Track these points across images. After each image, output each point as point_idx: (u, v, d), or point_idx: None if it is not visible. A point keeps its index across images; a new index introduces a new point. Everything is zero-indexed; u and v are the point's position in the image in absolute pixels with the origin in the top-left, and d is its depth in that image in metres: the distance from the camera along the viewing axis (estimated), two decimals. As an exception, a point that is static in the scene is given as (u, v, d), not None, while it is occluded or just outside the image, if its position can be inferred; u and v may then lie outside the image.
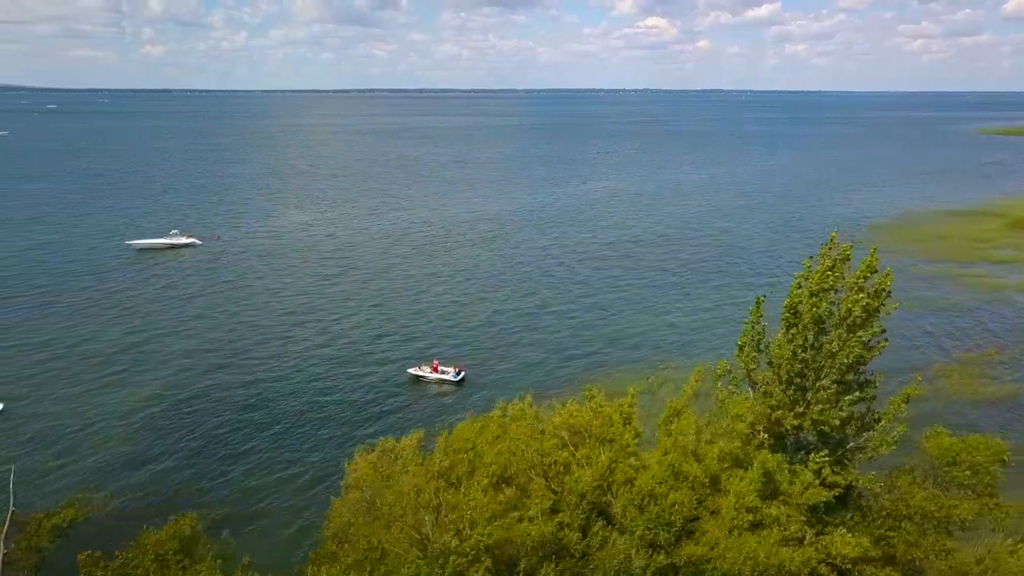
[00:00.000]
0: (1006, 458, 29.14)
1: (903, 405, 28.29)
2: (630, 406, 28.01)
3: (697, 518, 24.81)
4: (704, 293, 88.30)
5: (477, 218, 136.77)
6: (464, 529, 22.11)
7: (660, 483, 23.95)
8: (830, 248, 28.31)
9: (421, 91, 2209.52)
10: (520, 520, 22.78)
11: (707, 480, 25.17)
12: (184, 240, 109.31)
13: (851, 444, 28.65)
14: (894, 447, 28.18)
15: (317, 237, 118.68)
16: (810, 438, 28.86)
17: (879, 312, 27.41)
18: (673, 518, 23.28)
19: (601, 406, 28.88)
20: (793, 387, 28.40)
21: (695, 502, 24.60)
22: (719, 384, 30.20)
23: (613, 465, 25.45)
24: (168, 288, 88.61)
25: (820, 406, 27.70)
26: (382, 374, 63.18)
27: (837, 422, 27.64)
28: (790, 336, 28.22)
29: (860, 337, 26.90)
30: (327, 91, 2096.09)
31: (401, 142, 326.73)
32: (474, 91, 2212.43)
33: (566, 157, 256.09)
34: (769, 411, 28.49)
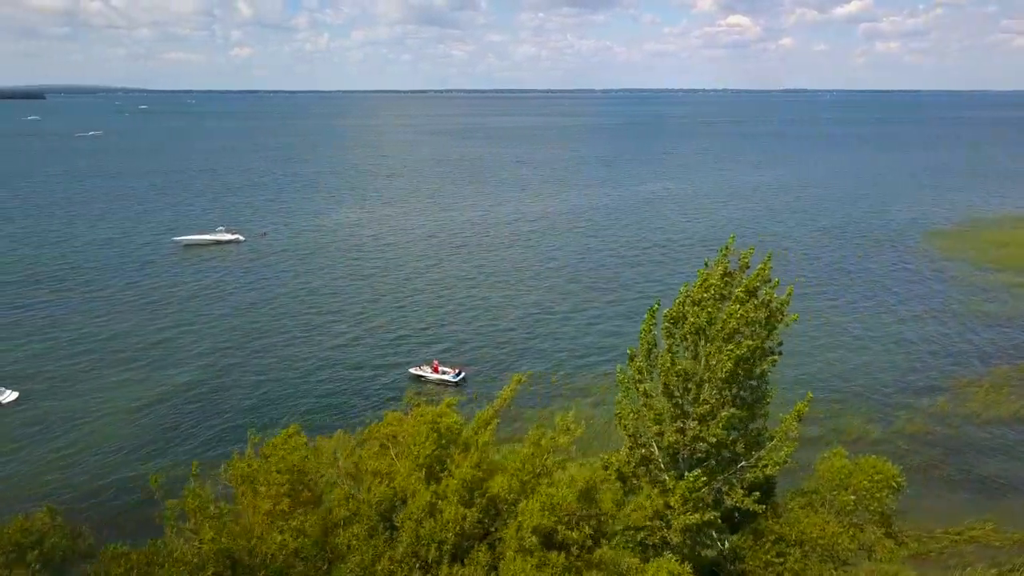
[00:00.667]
0: (896, 483, 26.79)
1: (794, 423, 26.31)
2: (440, 416, 25.33)
3: (488, 535, 23.01)
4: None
5: (523, 219, 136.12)
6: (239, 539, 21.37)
7: (442, 498, 22.16)
8: (725, 254, 26.51)
9: (498, 91, 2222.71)
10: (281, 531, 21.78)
11: (510, 498, 23.29)
12: (228, 236, 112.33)
13: (743, 463, 26.90)
14: (780, 467, 26.28)
15: (361, 236, 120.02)
16: (703, 455, 27.17)
17: (771, 324, 25.50)
18: (447, 535, 21.64)
19: (421, 415, 26.49)
20: (674, 400, 26.79)
21: (483, 520, 22.75)
22: (619, 396, 28.81)
23: (408, 476, 23.62)
24: (202, 284, 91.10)
25: (698, 421, 26.05)
26: (390, 374, 63.25)
27: (714, 439, 25.91)
28: (668, 346, 26.68)
29: (732, 351, 24.98)
30: (405, 91, 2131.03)
31: (467, 142, 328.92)
32: (551, 91, 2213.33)
33: (628, 158, 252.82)
34: (651, 424, 27.01)
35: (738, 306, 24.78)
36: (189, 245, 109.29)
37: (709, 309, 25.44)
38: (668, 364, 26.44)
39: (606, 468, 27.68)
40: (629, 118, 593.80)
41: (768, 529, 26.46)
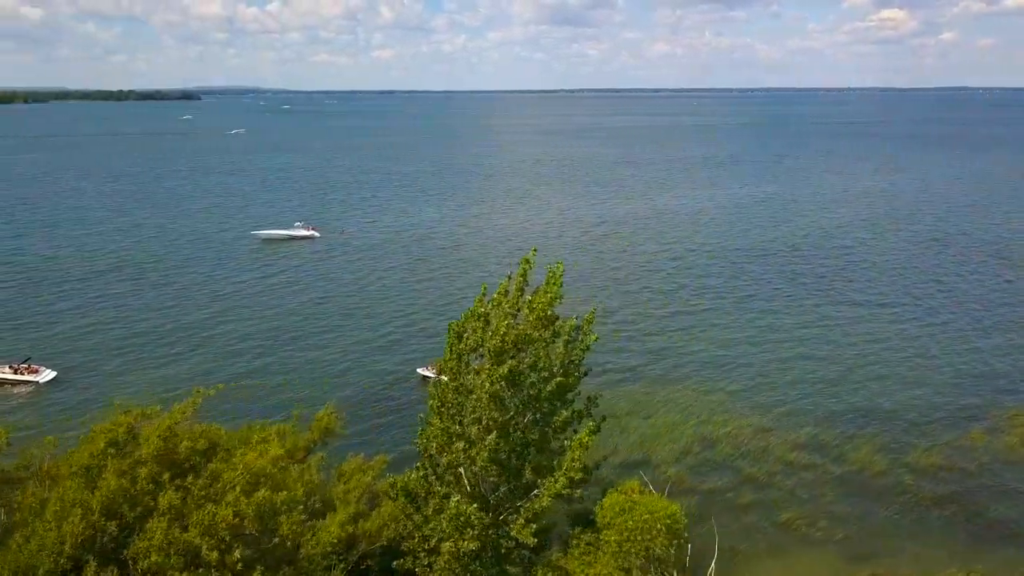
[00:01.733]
0: (670, 525, 23.92)
1: (578, 451, 24.13)
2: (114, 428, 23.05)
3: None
4: (783, 313, 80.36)
5: (604, 221, 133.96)
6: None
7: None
8: (526, 268, 24.72)
9: (630, 90, 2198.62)
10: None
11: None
12: (304, 232, 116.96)
13: (536, 492, 25.02)
14: (548, 502, 24.22)
15: (436, 237, 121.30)
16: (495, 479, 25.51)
17: (568, 348, 23.58)
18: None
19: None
20: (451, 419, 25.22)
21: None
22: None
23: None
24: (266, 279, 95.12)
25: (464, 444, 24.39)
26: (404, 375, 63.73)
27: (480, 464, 24.14)
28: (446, 361, 25.25)
29: (493, 371, 23.20)
30: (536, 91, 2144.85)
31: (579, 142, 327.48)
32: (684, 90, 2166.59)
33: (739, 160, 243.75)
34: (426, 443, 25.63)
35: (505, 323, 23.25)
36: (267, 240, 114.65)
37: (484, 326, 23.99)
38: (446, 381, 25.26)
39: (393, 486, 26.70)
40: (759, 118, 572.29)
41: (539, 566, 24.68)
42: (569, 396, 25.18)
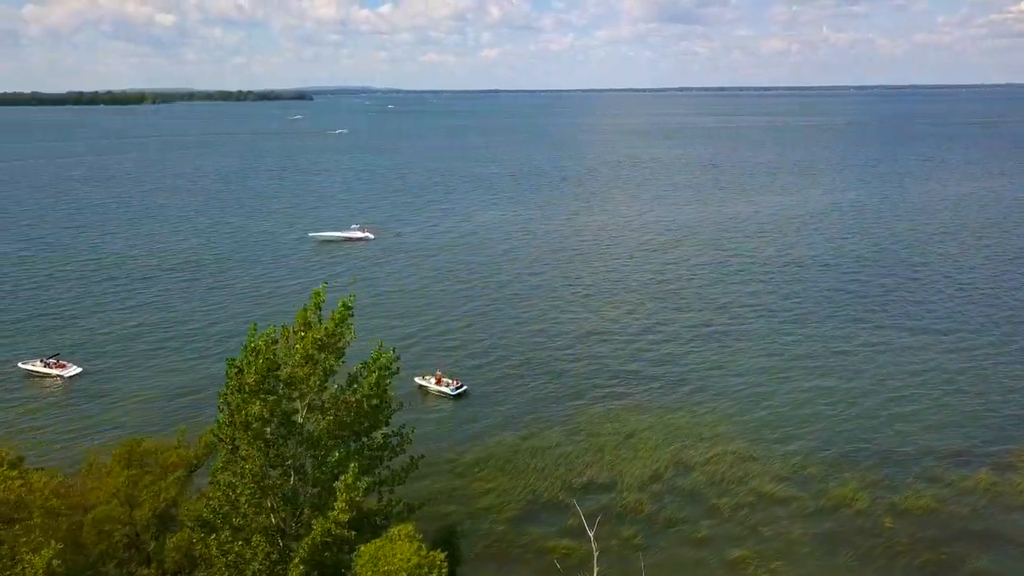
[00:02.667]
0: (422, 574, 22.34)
1: (344, 495, 22.89)
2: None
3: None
4: (821, 337, 76.22)
5: (664, 227, 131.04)
6: None
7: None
8: (317, 302, 24.26)
9: (741, 89, 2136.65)
10: None
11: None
12: (359, 234, 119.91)
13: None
14: (305, 553, 23.28)
15: (491, 242, 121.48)
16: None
17: (319, 380, 22.70)
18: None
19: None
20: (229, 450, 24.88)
21: None
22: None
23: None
24: (313, 280, 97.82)
25: (232, 478, 24.03)
26: (409, 383, 64.37)
27: (244, 499, 23.69)
28: (223, 395, 24.83)
29: (250, 408, 22.64)
30: (643, 90, 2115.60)
31: (670, 143, 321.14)
32: (797, 88, 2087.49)
33: (830, 163, 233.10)
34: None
35: (261, 360, 22.96)
36: (324, 241, 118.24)
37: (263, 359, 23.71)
38: (225, 417, 24.98)
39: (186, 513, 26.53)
40: (868, 117, 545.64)
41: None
42: (374, 434, 24.88)
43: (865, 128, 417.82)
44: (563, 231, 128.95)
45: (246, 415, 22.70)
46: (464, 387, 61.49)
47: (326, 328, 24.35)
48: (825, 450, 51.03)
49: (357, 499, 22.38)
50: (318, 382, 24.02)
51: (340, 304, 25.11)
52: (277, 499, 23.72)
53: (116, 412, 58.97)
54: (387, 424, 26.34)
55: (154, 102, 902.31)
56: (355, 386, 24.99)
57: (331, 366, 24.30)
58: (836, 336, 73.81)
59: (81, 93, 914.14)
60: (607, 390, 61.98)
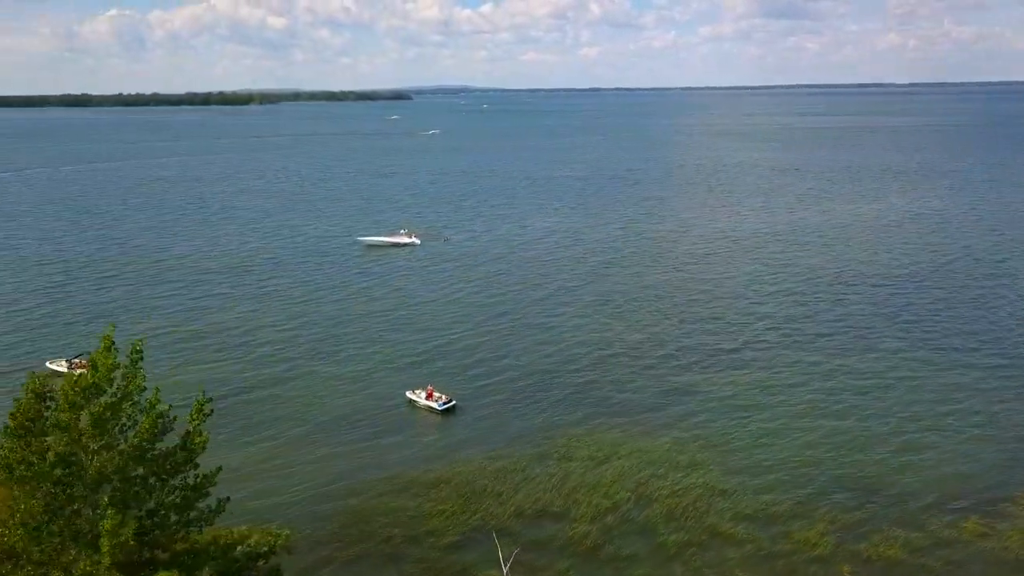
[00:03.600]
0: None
1: (106, 542, 22.43)
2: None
3: None
4: (848, 368, 72.07)
5: (722, 235, 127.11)
6: None
7: None
8: (106, 346, 24.17)
9: (852, 86, 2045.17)
10: None
11: None
12: (406, 239, 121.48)
13: None
14: None
15: (538, 250, 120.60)
16: None
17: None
18: None
19: None
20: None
21: None
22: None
23: None
24: (354, 284, 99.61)
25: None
26: (399, 397, 64.82)
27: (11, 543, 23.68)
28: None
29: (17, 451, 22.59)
30: (746, 87, 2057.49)
31: (757, 145, 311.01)
32: (914, 85, 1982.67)
33: (922, 169, 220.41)
34: None
35: (24, 403, 23.11)
36: (371, 245, 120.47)
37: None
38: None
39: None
40: (985, 117, 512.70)
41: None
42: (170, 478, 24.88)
43: (978, 129, 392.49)
44: (614, 240, 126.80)
45: (8, 458, 23.48)
46: (453, 402, 61.34)
47: (98, 375, 24.66)
48: (801, 488, 48.23)
49: (122, 543, 22.61)
50: (95, 427, 24.38)
51: (131, 348, 25.51)
52: (55, 541, 24.17)
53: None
54: (190, 464, 26.58)
55: (260, 102, 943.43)
56: (136, 430, 25.32)
57: (108, 412, 24.59)
58: (863, 370, 69.18)
59: (195, 94, 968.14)
60: (601, 411, 60.45)
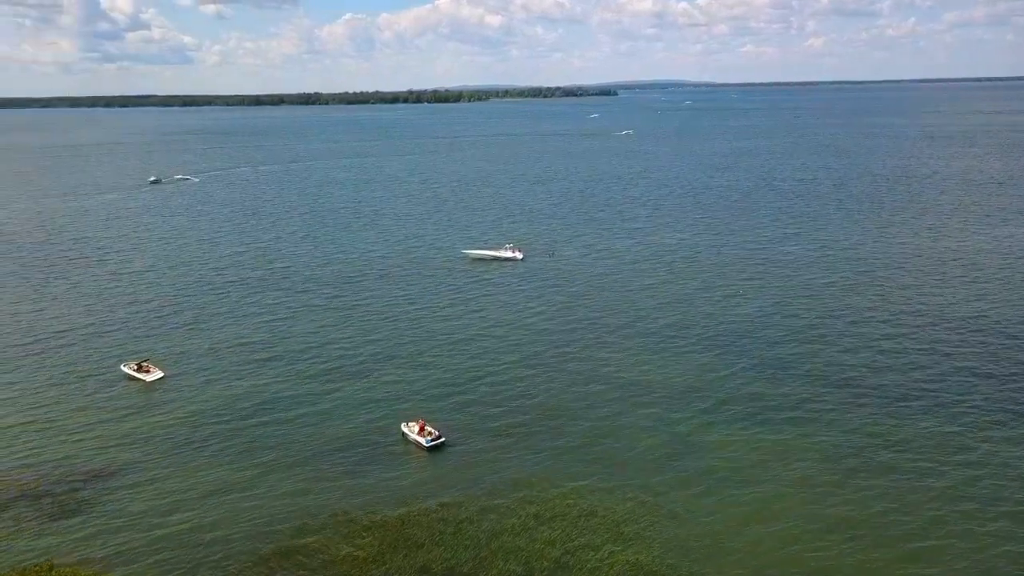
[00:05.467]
0: None
1: None
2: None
3: None
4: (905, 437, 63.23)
5: (844, 265, 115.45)
6: None
7: None
8: None
9: None
10: None
11: None
12: (509, 254, 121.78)
13: None
14: None
15: (645, 271, 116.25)
16: None
17: None
18: None
19: None
20: None
21: None
22: None
23: None
24: (435, 300, 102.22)
25: None
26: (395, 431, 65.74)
27: None
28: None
29: None
30: (1003, 79, 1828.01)
31: (974, 152, 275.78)
32: None
33: None
34: None
35: None
36: (475, 259, 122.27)
37: None
38: None
39: None
40: None
41: None
42: None
43: None
44: (729, 263, 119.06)
45: None
46: (442, 439, 61.38)
47: None
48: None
49: None
50: None
51: None
52: None
53: (153, 423, 66.84)
54: None
55: (470, 99, 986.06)
56: None
57: None
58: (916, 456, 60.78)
59: (411, 91, 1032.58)
60: (594, 467, 57.11)
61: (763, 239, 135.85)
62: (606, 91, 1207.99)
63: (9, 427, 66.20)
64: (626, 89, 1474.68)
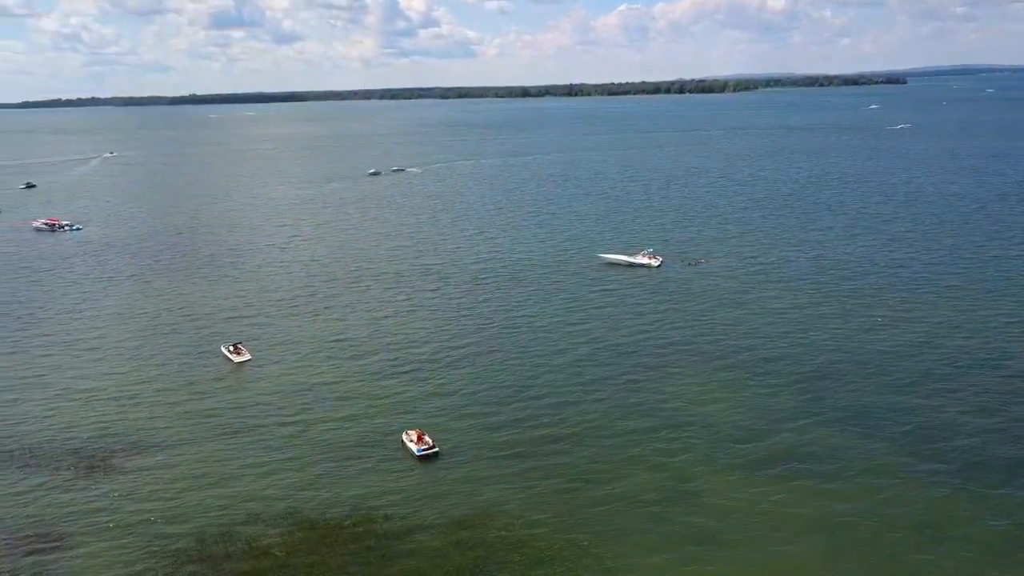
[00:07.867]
0: None
1: None
2: None
3: None
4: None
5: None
6: None
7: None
8: None
9: None
10: None
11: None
12: (644, 260, 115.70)
13: None
14: None
15: (785, 286, 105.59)
16: None
17: None
18: None
19: None
20: None
21: None
22: None
23: None
24: (558, 304, 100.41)
25: None
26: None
27: None
28: None
29: None
30: None
31: None
32: None
33: None
34: None
35: None
36: (609, 264, 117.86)
37: None
38: None
39: None
40: None
41: None
42: None
43: None
44: (894, 286, 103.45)
45: None
46: (435, 449, 60.96)
47: None
48: None
49: None
50: None
51: None
52: None
53: (236, 401, 74.28)
54: None
55: (735, 90, 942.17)
56: None
57: None
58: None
59: (673, 82, 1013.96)
60: (587, 503, 54.19)
61: (965, 259, 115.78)
62: (894, 79, 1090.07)
63: (88, 390, 77.08)
64: (920, 77, 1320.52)
